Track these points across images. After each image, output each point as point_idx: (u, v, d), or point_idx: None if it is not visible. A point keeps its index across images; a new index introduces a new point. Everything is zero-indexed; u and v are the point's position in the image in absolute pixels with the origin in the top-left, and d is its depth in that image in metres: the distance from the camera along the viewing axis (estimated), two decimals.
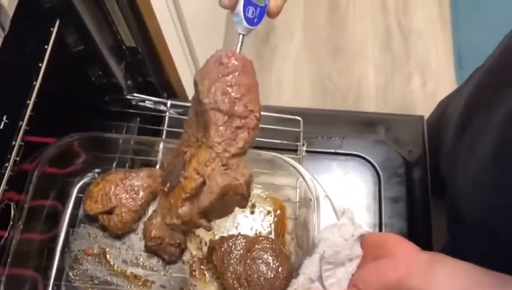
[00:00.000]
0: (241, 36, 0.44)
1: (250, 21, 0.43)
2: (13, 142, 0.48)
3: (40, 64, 0.50)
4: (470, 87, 0.56)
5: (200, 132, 0.47)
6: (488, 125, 0.46)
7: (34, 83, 0.49)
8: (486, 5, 1.48)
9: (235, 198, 0.46)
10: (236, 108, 0.44)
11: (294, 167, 0.62)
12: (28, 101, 0.49)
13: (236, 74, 0.44)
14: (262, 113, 0.72)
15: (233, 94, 0.44)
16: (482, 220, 0.49)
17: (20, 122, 0.48)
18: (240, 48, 0.45)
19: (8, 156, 0.47)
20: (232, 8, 0.42)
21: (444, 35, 1.43)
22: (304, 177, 0.61)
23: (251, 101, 0.45)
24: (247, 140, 0.45)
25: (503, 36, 0.54)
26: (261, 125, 0.71)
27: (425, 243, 0.64)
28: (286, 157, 0.63)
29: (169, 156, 0.52)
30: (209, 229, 0.48)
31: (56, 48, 0.52)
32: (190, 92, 0.85)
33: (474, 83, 0.55)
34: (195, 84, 0.46)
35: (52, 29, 0.51)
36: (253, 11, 0.42)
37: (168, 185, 0.47)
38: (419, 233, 0.67)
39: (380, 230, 0.67)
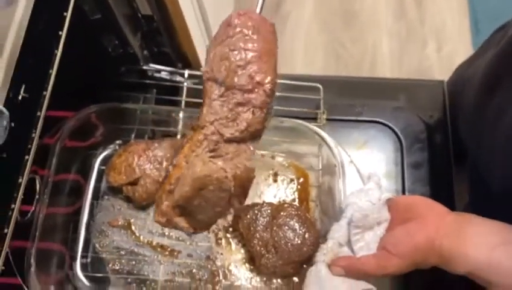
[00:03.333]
0: None
1: None
2: (38, 114, 0.47)
3: (60, 33, 0.48)
4: (495, 49, 0.54)
5: None
6: None
7: (56, 52, 0.48)
8: None
9: (220, 196, 0.36)
10: (236, 78, 0.34)
11: (317, 134, 0.61)
12: (51, 71, 0.48)
13: (245, 36, 0.34)
14: (279, 81, 0.72)
15: (234, 60, 0.34)
16: (509, 189, 0.48)
17: (44, 93, 0.47)
18: (261, 8, 0.36)
19: (34, 129, 0.47)
20: None
21: None
22: (327, 144, 0.60)
23: (260, 71, 0.34)
24: (250, 122, 0.35)
25: None
26: (278, 94, 0.71)
27: (448, 208, 0.64)
28: (310, 125, 0.62)
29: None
30: (188, 231, 0.39)
31: (74, 16, 0.51)
32: (204, 62, 0.84)
33: (503, 44, 0.52)
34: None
35: None
36: None
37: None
38: (442, 198, 0.66)
39: None
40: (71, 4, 0.49)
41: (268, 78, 0.35)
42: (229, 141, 0.35)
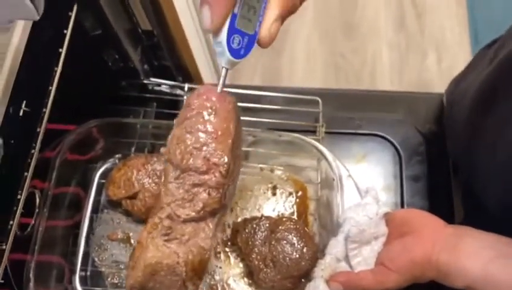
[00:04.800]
0: (223, 70, 0.35)
1: (235, 53, 0.33)
2: (38, 130, 0.47)
3: (60, 50, 0.49)
4: (488, 68, 0.52)
5: None
6: None
7: (55, 69, 0.49)
8: None
9: (173, 279, 0.37)
10: (192, 160, 0.35)
11: (316, 148, 0.61)
12: (50, 88, 0.48)
13: (202, 117, 0.35)
14: (278, 94, 0.73)
15: (189, 143, 0.35)
16: (508, 207, 0.48)
17: (44, 109, 0.48)
18: (222, 85, 0.36)
19: (34, 144, 0.47)
20: (216, 32, 0.32)
21: (459, 10, 1.41)
22: (326, 158, 0.60)
23: (216, 152, 0.35)
24: (207, 202, 0.35)
25: None
26: (278, 107, 0.72)
27: (448, 220, 0.64)
28: (307, 138, 0.62)
29: None
30: None
31: (74, 33, 0.52)
32: (205, 76, 0.85)
33: (496, 64, 0.51)
34: None
35: (70, 13, 0.51)
36: (239, 41, 0.33)
37: None
38: (442, 211, 0.66)
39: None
40: (71, 22, 0.50)
41: (223, 159, 0.35)
42: (185, 221, 0.36)
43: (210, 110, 0.35)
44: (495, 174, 0.49)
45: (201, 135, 0.35)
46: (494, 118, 0.49)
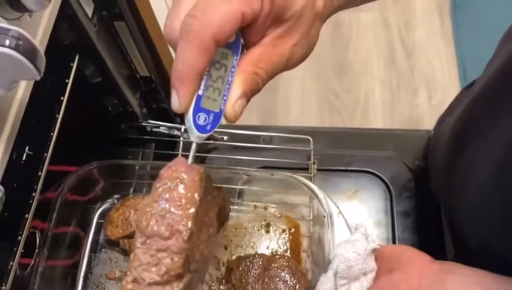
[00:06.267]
0: (193, 144, 0.38)
1: (201, 128, 0.36)
2: (39, 173, 0.50)
3: (62, 98, 0.52)
4: (463, 105, 0.54)
5: None
6: (488, 145, 0.45)
7: (57, 116, 0.52)
8: (486, 15, 1.50)
9: None
10: (156, 227, 0.37)
11: (307, 186, 0.63)
12: (52, 134, 0.51)
13: (169, 187, 0.37)
14: (272, 134, 0.76)
15: (155, 211, 0.37)
16: (485, 242, 0.49)
17: (45, 154, 0.51)
18: (192, 157, 0.39)
19: (35, 187, 0.50)
20: (184, 111, 0.35)
21: (447, 48, 1.46)
22: (316, 195, 0.62)
23: (181, 219, 0.37)
24: (170, 267, 0.37)
25: None
26: (271, 146, 0.75)
27: (439, 256, 0.65)
28: (299, 177, 0.64)
29: None
30: None
31: (75, 81, 0.55)
32: None
33: (468, 102, 0.53)
34: None
35: (72, 64, 0.54)
36: (205, 118, 0.35)
37: None
38: (432, 247, 0.68)
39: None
40: (72, 72, 0.53)
41: (186, 226, 0.37)
42: (151, 284, 0.38)
43: (177, 181, 0.37)
44: (469, 215, 0.51)
45: (166, 203, 0.37)
46: (464, 159, 0.51)
